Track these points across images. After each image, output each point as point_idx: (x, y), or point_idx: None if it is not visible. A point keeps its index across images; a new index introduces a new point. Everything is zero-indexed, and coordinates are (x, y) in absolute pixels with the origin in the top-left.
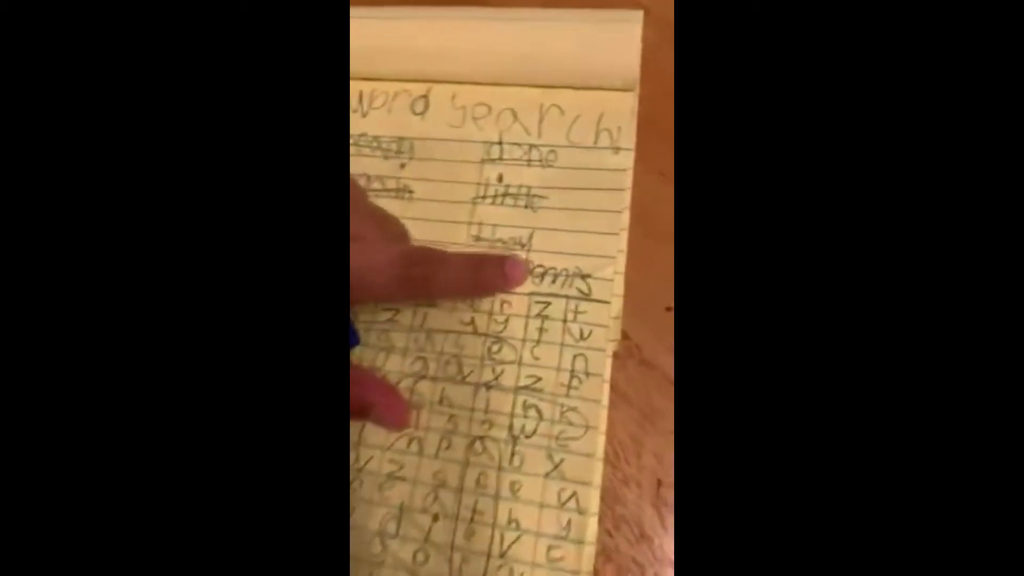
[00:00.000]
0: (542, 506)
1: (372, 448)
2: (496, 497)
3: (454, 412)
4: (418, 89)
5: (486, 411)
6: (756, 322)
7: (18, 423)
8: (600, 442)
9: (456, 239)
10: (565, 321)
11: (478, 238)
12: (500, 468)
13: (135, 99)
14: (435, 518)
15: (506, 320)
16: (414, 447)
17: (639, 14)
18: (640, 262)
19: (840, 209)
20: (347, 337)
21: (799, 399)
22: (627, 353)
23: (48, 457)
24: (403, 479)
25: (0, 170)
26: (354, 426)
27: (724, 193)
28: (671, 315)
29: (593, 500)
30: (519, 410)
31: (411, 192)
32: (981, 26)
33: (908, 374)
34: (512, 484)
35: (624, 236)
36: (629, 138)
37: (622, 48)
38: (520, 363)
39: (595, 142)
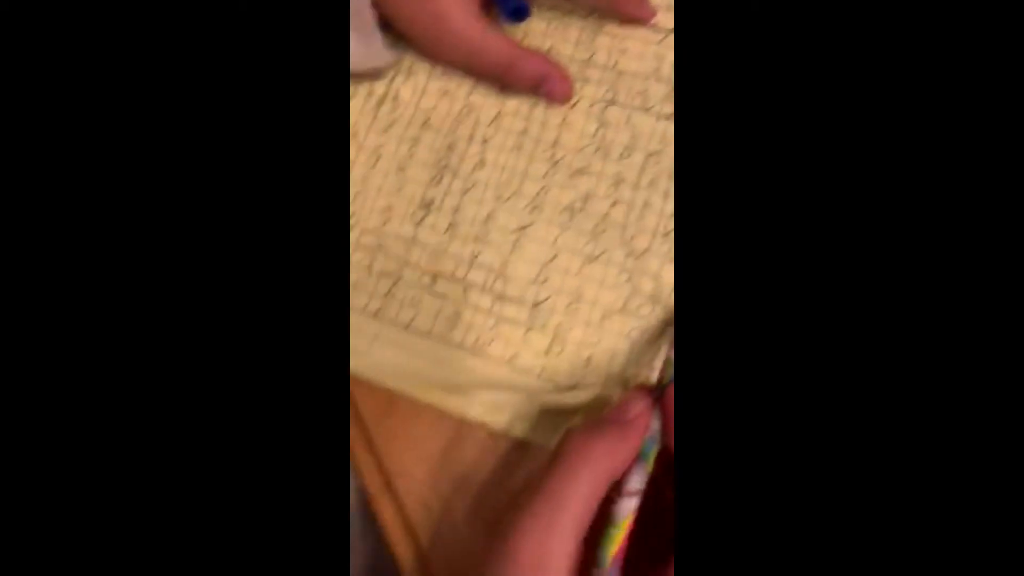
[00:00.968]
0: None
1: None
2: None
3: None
4: None
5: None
6: (755, 323)
7: (18, 423)
8: None
9: None
10: None
11: None
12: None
13: (136, 91)
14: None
15: None
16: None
17: None
18: None
19: (840, 209)
20: (347, 337)
21: (799, 398)
22: None
23: (49, 468)
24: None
25: (1, 169)
26: None
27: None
28: None
29: None
30: None
31: None
32: (981, 26)
33: (908, 373)
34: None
35: None
36: None
37: None
38: None
39: None
